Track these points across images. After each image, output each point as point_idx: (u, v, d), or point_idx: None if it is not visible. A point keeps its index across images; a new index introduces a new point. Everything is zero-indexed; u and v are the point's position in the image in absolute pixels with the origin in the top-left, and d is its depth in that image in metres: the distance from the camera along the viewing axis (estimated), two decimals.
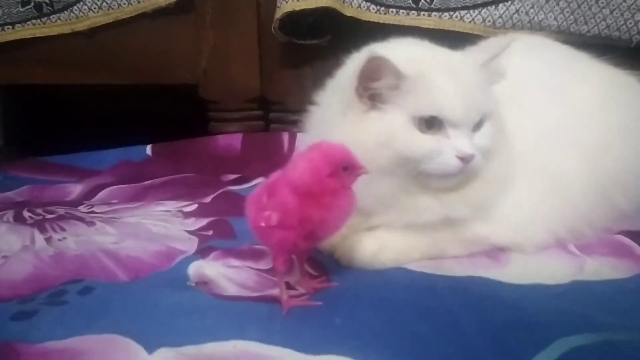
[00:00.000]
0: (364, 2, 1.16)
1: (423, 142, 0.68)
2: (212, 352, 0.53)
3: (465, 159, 0.68)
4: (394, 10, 1.17)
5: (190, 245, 0.80)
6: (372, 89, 0.68)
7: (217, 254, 0.77)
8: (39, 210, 0.95)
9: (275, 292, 0.65)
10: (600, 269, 0.73)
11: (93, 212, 0.97)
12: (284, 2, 1.13)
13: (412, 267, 0.73)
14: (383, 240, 0.73)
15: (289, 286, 0.66)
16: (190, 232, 0.86)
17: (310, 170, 0.61)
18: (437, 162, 0.68)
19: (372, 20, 1.16)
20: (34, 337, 0.56)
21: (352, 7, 1.15)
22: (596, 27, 1.16)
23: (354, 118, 0.69)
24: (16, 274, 0.71)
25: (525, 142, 0.78)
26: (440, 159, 0.68)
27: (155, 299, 0.63)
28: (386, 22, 1.17)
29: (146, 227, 0.88)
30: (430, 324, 0.58)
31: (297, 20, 1.15)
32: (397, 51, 0.70)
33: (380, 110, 0.69)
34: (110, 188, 1.12)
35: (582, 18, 1.16)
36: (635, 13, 1.15)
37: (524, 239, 0.77)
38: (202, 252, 0.78)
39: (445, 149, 0.68)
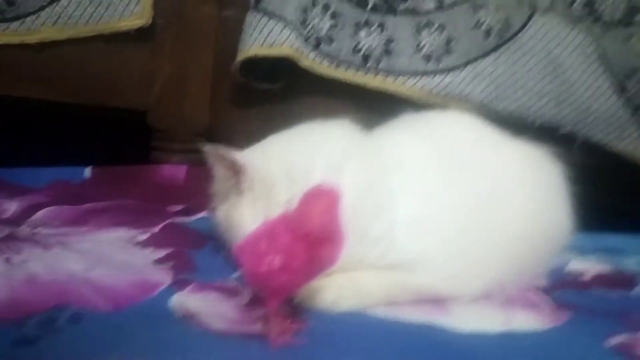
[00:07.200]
0: (319, 57, 1.25)
1: None
2: None
3: None
4: (345, 66, 1.27)
5: (164, 276, 0.83)
6: None
7: (194, 287, 0.80)
8: None
9: (258, 327, 0.70)
10: (524, 320, 0.86)
11: (39, 233, 0.96)
12: (247, 46, 1.19)
13: (372, 311, 0.81)
14: (342, 288, 0.81)
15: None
16: (156, 262, 0.88)
17: (333, 217, 0.67)
18: None
19: (324, 73, 1.26)
20: None
21: (308, 58, 1.24)
22: (511, 105, 1.34)
23: None
24: None
25: (454, 210, 0.89)
26: None
27: (150, 331, 0.66)
28: (336, 77, 1.27)
29: (107, 254, 0.89)
30: None
31: (253, 64, 1.22)
32: None
33: None
34: (48, 208, 1.09)
35: (500, 96, 1.34)
36: (540, 98, 1.35)
37: (459, 291, 0.88)
38: (178, 283, 0.81)
39: None
